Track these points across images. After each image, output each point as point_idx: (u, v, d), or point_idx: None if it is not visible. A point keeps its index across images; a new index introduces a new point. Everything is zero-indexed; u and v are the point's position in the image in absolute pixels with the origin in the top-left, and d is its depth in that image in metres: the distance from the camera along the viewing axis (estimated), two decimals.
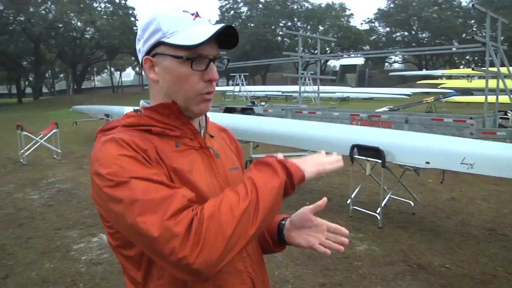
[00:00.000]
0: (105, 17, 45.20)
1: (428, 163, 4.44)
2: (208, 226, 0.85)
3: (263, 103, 20.25)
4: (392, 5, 60.72)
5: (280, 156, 1.03)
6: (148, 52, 1.05)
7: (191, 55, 1.00)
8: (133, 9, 47.80)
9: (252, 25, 58.34)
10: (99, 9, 45.78)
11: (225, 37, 1.03)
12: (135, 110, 1.08)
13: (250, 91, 31.51)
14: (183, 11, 1.03)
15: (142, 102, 1.57)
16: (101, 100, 33.32)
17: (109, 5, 46.49)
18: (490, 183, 6.76)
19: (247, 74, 35.82)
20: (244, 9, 61.30)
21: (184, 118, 1.06)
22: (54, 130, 9.66)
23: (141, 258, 1.00)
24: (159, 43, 1.02)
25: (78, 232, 4.87)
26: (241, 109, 13.33)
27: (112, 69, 61.74)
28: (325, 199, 1.16)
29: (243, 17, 61.04)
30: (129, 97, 41.05)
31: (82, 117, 14.59)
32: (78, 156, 9.93)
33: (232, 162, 1.20)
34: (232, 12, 61.11)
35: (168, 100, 1.05)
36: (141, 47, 1.06)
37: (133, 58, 57.82)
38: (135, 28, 47.87)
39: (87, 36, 46.04)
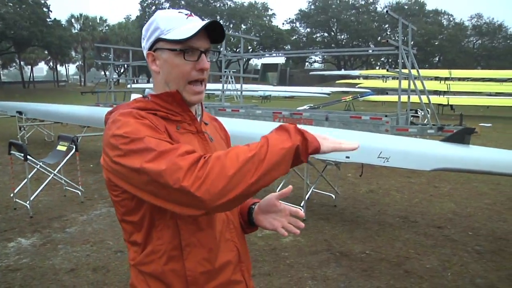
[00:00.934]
0: (10, 4, 41.60)
1: (348, 157, 4.69)
2: (213, 165, 0.97)
3: None
4: (312, 7, 62.92)
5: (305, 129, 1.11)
6: (150, 48, 1.22)
7: (184, 47, 1.16)
8: None
9: None
10: None
11: (215, 32, 1.20)
12: (143, 97, 1.25)
13: None
14: (179, 12, 1.21)
15: (147, 91, 1.55)
16: (9, 96, 30.86)
17: None
18: (403, 176, 7.31)
19: None
20: (166, 5, 60.12)
21: (185, 105, 1.22)
22: None
23: (142, 222, 1.16)
24: (158, 40, 1.19)
25: None
26: None
27: (22, 63, 57.36)
28: (290, 187, 1.27)
29: None
30: (42, 94, 38.55)
31: None
32: None
33: (222, 147, 1.36)
34: (153, 8, 59.64)
35: (167, 88, 1.21)
36: (145, 44, 1.24)
37: (46, 52, 54.31)
38: (48, 20, 44.88)
39: None
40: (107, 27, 62.34)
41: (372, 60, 62.95)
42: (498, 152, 4.05)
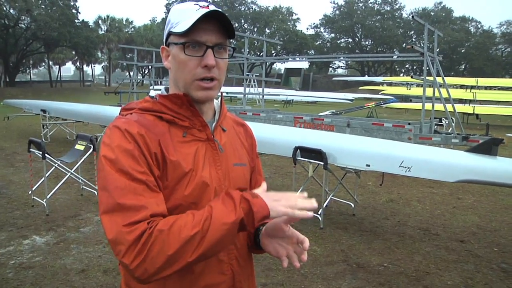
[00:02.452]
0: (43, 6, 42.79)
1: (368, 165, 4.56)
2: (155, 241, 0.93)
3: None
4: (337, 12, 62.65)
5: (261, 187, 1.07)
6: (165, 43, 1.16)
7: (187, 40, 1.08)
8: (75, 0, 45.65)
9: None
10: None
11: (230, 27, 1.10)
12: (151, 97, 1.17)
13: None
14: (194, 4, 1.10)
15: (163, 90, 1.48)
16: (37, 94, 31.65)
17: None
18: (425, 185, 7.09)
19: None
20: None
21: (195, 110, 1.14)
22: None
23: None
24: (169, 34, 1.13)
25: (6, 235, 4.53)
26: None
27: (51, 62, 58.69)
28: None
29: None
30: (68, 93, 39.38)
31: (15, 112, 13.74)
32: (9, 153, 9.31)
33: (239, 157, 1.25)
34: None
35: (176, 85, 1.15)
36: (164, 39, 1.17)
37: (73, 52, 55.48)
38: (76, 21, 45.90)
39: (22, 25, 43.28)
40: (133, 29, 63.31)
41: (396, 66, 62.15)
42: None
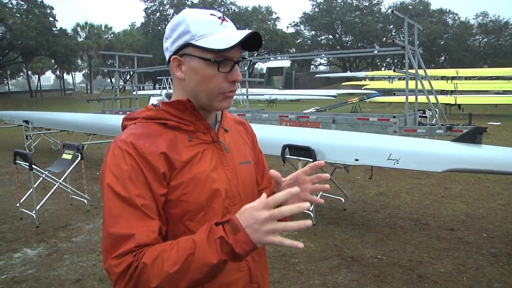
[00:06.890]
0: (18, 15, 42.16)
1: (357, 160, 4.60)
2: (140, 273, 0.96)
3: None
4: (316, 9, 62.98)
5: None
6: (176, 52, 1.11)
7: (218, 58, 1.07)
8: (52, 8, 45.10)
9: None
10: (10, 6, 42.34)
11: (248, 40, 1.08)
12: (154, 105, 1.17)
13: None
14: (211, 14, 1.10)
15: (163, 97, 1.48)
16: (17, 105, 31.15)
17: (22, 3, 43.23)
18: (413, 177, 7.19)
19: None
20: (171, 11, 60.34)
21: (198, 114, 1.15)
22: None
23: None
24: (187, 44, 1.09)
25: None
26: None
27: (29, 72, 57.80)
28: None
29: (169, 19, 60.05)
30: (49, 103, 38.85)
31: None
32: None
33: (244, 155, 1.28)
34: (158, 14, 59.93)
35: (193, 97, 1.14)
36: (169, 46, 1.13)
37: (52, 61, 54.88)
38: (54, 29, 45.33)
39: None
40: (112, 35, 62.75)
41: (377, 61, 62.77)
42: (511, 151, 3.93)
